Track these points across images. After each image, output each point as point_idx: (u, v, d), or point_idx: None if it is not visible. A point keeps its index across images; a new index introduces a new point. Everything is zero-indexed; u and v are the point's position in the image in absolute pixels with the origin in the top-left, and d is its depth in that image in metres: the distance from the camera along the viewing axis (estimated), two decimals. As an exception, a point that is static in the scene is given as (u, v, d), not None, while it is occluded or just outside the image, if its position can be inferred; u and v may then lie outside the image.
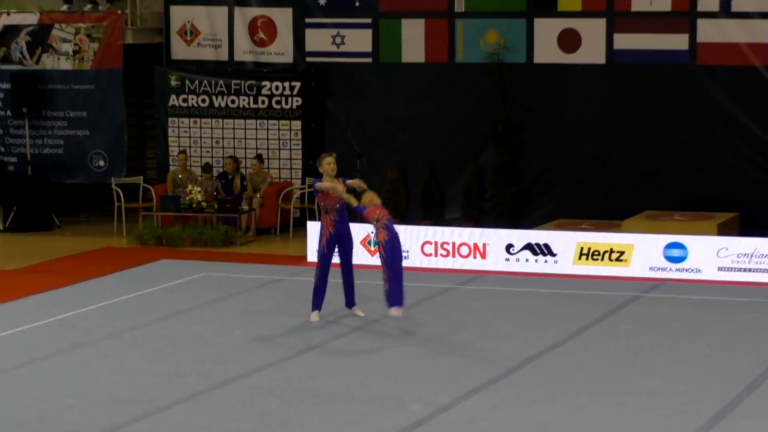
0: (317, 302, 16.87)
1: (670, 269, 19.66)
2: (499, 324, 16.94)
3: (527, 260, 20.26)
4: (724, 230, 20.97)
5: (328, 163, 16.78)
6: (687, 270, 19.62)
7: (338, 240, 16.78)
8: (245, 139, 24.79)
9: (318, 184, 16.69)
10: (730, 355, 15.21)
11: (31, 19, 25.31)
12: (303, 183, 24.33)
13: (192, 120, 25.08)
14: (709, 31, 22.32)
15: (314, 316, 16.86)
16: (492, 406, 13.36)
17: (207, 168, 24.28)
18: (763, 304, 17.85)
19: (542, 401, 13.47)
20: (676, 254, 19.69)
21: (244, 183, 24.08)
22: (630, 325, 16.82)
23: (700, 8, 22.31)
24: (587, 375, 14.41)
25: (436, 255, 20.65)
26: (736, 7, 22.12)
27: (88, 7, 25.72)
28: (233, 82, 24.72)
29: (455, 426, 12.73)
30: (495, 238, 20.41)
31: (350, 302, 17.16)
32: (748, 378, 14.16)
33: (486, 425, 12.74)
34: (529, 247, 20.35)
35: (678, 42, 22.49)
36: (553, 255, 20.19)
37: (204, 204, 23.23)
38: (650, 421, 12.80)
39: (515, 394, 13.78)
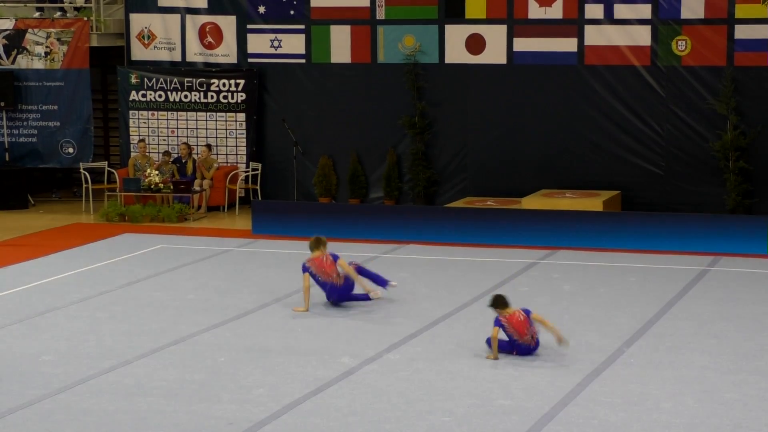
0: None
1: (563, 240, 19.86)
2: (417, 287, 17.01)
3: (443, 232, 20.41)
4: (608, 206, 21.18)
5: (317, 257, 15.70)
6: (580, 240, 19.81)
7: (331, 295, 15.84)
8: (197, 129, 24.72)
9: (304, 280, 15.61)
10: (612, 314, 15.38)
11: (7, 24, 25.04)
12: (247, 167, 24.31)
13: (150, 113, 24.96)
14: (595, 36, 22.46)
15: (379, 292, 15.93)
16: (409, 358, 13.45)
17: (166, 153, 24.21)
18: (639, 269, 18.04)
19: (452, 355, 13.56)
20: (574, 231, 19.89)
21: (196, 167, 24.02)
22: (527, 288, 16.96)
23: (586, 16, 22.44)
24: (489, 329, 14.51)
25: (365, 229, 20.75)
26: (617, 15, 22.27)
27: (58, 14, 25.57)
28: (186, 79, 24.62)
29: (379, 375, 12.81)
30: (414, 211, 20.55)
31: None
32: (627, 333, 14.34)
33: (405, 374, 12.83)
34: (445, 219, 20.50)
35: (568, 45, 22.61)
36: (466, 227, 20.34)
37: (161, 185, 23.16)
38: (541, 372, 12.93)
39: (429, 348, 13.88)
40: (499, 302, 13.61)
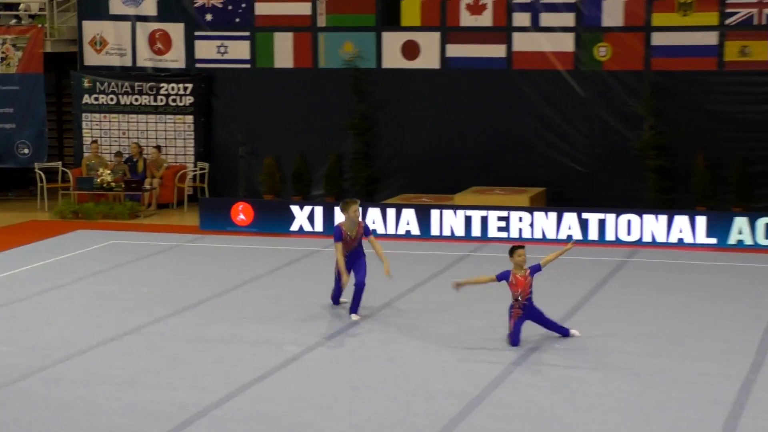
0: (353, 306, 14.77)
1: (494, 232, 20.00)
2: (357, 279, 17.07)
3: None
4: (534, 202, 21.35)
5: (354, 211, 14.66)
6: (508, 233, 19.96)
7: (350, 264, 14.71)
8: (147, 130, 24.61)
9: (336, 244, 14.63)
10: (542, 302, 15.48)
11: (-36, 31, 24.85)
12: (195, 166, 24.24)
13: (102, 115, 24.80)
14: (522, 42, 22.61)
15: (354, 317, 14.64)
16: (353, 346, 13.50)
17: (118, 154, 24.10)
18: (567, 260, 18.19)
19: (394, 342, 13.63)
20: (502, 225, 20.02)
21: (147, 166, 23.93)
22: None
23: (514, 23, 22.58)
24: (427, 319, 14.59)
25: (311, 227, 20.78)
26: (543, 22, 22.44)
27: (13, 21, 25.38)
28: (136, 83, 24.49)
29: (324, 362, 12.86)
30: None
31: (352, 309, 14.82)
32: (556, 319, 14.46)
33: (349, 361, 12.88)
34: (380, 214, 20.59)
35: (498, 51, 22.74)
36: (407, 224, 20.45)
37: (113, 184, 23.04)
38: (477, 358, 13.02)
39: (372, 335, 13.93)
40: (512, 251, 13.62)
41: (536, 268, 13.59)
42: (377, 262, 14.53)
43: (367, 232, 14.86)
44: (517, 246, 13.75)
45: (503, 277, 13.55)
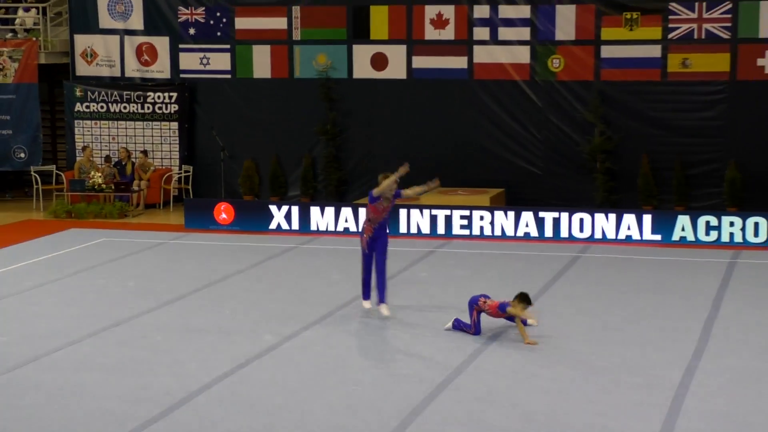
0: (365, 292, 14.42)
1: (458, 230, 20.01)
2: (331, 273, 17.05)
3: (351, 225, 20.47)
4: (494, 201, 21.38)
5: (394, 181, 14.34)
6: (470, 230, 19.97)
7: (373, 243, 14.28)
8: (135, 136, 24.49)
9: (375, 191, 14.33)
10: (499, 294, 15.52)
11: (-36, 44, 24.68)
12: (180, 169, 24.15)
13: (93, 122, 24.67)
14: (482, 55, 22.64)
15: (366, 304, 14.38)
16: (323, 335, 13.49)
17: (107, 159, 23.99)
18: (523, 255, 18.24)
19: (361, 332, 13.63)
20: (464, 223, 20.03)
21: (135, 169, 23.83)
22: (425, 273, 17.07)
23: (475, 37, 22.60)
24: (394, 310, 14.59)
25: (288, 225, 20.73)
26: (501, 36, 22.46)
27: (9, 35, 25.23)
28: (125, 92, 24.37)
29: (297, 350, 12.84)
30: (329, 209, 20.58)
31: (379, 298, 14.39)
32: (512, 310, 14.50)
33: (319, 349, 12.87)
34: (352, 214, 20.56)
35: (459, 62, 22.76)
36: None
37: (104, 186, 22.93)
38: (439, 346, 13.04)
39: (343, 325, 13.93)
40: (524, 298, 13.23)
41: (397, 194, 14.16)
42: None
43: (397, 194, 14.42)
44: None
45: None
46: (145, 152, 24.03)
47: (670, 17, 21.60)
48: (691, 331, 13.46)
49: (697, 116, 21.69)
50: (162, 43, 24.37)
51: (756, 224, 18.99)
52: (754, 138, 21.39)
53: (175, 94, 24.17)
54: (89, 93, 24.54)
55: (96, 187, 22.89)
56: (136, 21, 24.42)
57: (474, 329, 13.30)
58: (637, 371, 11.88)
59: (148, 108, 24.32)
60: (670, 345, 12.82)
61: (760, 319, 14.10)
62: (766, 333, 13.41)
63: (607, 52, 21.97)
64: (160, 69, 24.44)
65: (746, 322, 13.94)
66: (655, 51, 21.74)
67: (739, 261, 17.75)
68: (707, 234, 19.16)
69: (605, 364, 12.17)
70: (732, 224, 19.06)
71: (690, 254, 18.41)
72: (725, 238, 19.09)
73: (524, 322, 13.38)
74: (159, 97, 24.24)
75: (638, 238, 19.36)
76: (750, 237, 19.00)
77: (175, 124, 24.27)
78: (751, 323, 13.86)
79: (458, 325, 13.46)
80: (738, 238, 19.03)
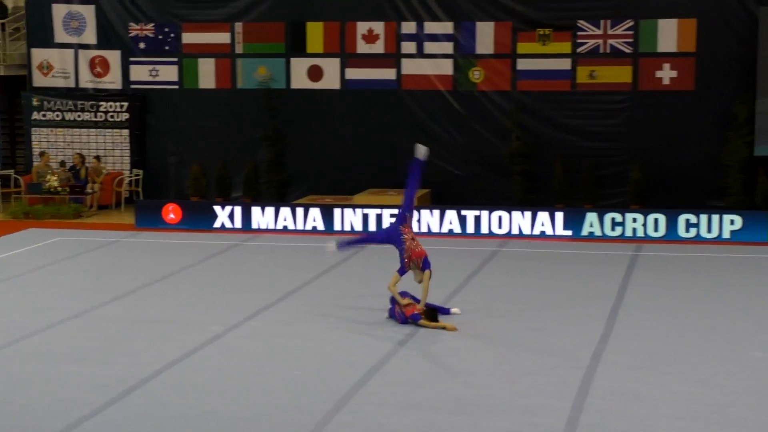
0: (347, 243, 14.03)
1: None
2: (272, 268, 17.01)
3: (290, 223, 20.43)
4: (421, 201, 21.44)
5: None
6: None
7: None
8: (89, 142, 24.22)
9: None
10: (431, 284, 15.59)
11: (-73, 57, 24.24)
12: (131, 173, 23.94)
13: (49, 129, 24.36)
14: (410, 67, 22.71)
15: (330, 245, 13.85)
16: (267, 324, 13.47)
17: (63, 164, 23.70)
18: (448, 250, 18.34)
19: (302, 321, 13.62)
20: (394, 220, 20.05)
21: (88, 173, 23.59)
22: (359, 267, 17.09)
23: (403, 51, 22.67)
24: (331, 302, 14.61)
25: (231, 224, 20.63)
26: (427, 50, 22.55)
27: (-29, 49, 24.90)
28: (79, 102, 24.10)
29: (242, 339, 12.80)
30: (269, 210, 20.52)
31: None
32: (437, 301, 14.55)
33: (264, 338, 12.84)
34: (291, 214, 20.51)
35: (389, 74, 22.81)
36: (309, 219, 20.41)
37: (59, 189, 22.68)
38: (374, 334, 13.06)
39: (284, 315, 13.91)
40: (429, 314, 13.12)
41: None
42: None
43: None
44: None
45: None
46: (98, 157, 23.80)
47: (579, 33, 21.84)
48: (600, 317, 13.64)
49: (603, 123, 21.97)
50: (114, 56, 24.12)
51: (656, 220, 19.28)
52: (655, 142, 21.72)
53: (126, 104, 23.95)
54: (45, 103, 24.22)
55: (52, 189, 22.62)
56: (90, 36, 24.14)
57: (399, 319, 13.36)
58: (552, 353, 12.01)
59: (101, 116, 24.07)
60: (581, 329, 12.98)
61: (660, 305, 14.33)
62: (667, 318, 13.63)
63: (522, 64, 22.16)
64: (112, 80, 24.18)
65: (648, 308, 14.16)
66: (565, 64, 21.97)
67: (641, 253, 18.02)
68: (613, 229, 19.41)
69: (526, 348, 12.29)
70: (635, 220, 19.33)
71: (597, 248, 18.64)
72: (629, 232, 19.35)
73: (447, 311, 13.50)
74: (111, 107, 23.99)
75: (551, 233, 19.55)
76: (651, 232, 19.29)
77: (126, 132, 24.05)
78: (652, 309, 14.09)
79: (392, 315, 13.51)
80: (640, 233, 19.31)
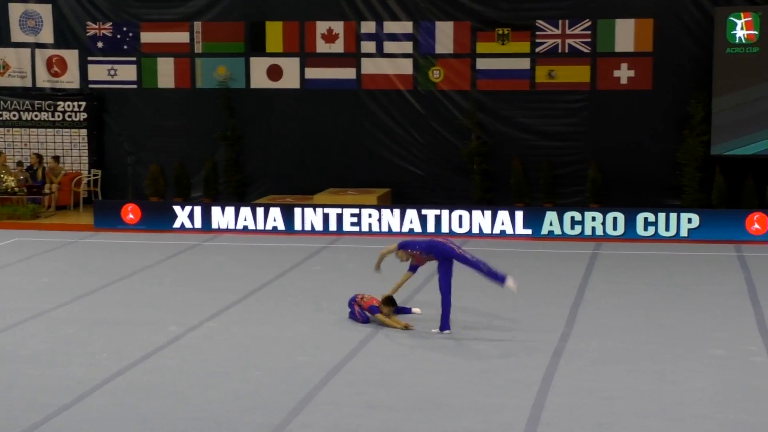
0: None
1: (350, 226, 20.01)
2: (232, 268, 16.91)
3: (250, 223, 20.33)
4: (381, 201, 21.44)
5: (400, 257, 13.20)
6: (360, 227, 19.99)
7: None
8: (46, 142, 23.94)
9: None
10: (388, 286, 15.56)
11: None
12: (89, 173, 23.71)
13: (6, 129, 24.05)
14: (369, 66, 22.68)
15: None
16: (226, 325, 13.38)
17: (20, 164, 23.42)
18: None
19: (261, 322, 13.55)
20: (354, 221, 20.03)
21: (46, 173, 23.32)
22: (319, 267, 17.04)
23: (363, 50, 22.64)
24: (291, 301, 14.56)
25: (191, 224, 20.47)
26: (386, 50, 22.53)
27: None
28: (36, 102, 23.81)
29: (201, 339, 12.70)
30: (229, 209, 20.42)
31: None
32: (398, 300, 14.53)
33: (223, 338, 12.75)
34: (251, 214, 20.41)
35: (349, 74, 22.77)
36: (270, 220, 20.32)
37: (17, 189, 22.40)
38: (331, 333, 13.03)
39: (243, 316, 13.82)
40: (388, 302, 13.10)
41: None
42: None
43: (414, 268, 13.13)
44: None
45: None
46: (56, 158, 23.52)
47: (537, 33, 21.91)
48: (560, 316, 13.67)
49: (562, 122, 22.06)
50: (71, 56, 23.87)
51: (615, 219, 19.38)
52: (612, 141, 21.84)
53: (83, 103, 23.71)
54: (2, 102, 23.92)
55: (9, 190, 22.34)
56: (47, 35, 23.88)
57: (361, 318, 13.32)
58: (511, 353, 12.01)
59: (59, 116, 23.81)
60: (541, 328, 13.00)
61: (619, 303, 14.39)
62: (625, 316, 13.69)
63: (481, 64, 22.21)
64: (70, 80, 23.93)
65: (607, 306, 14.21)
66: (524, 63, 22.04)
67: (600, 252, 18.10)
68: (572, 228, 19.49)
69: (484, 347, 12.28)
70: (594, 219, 19.42)
71: (557, 246, 18.71)
72: (588, 231, 19.43)
73: (408, 310, 13.47)
74: (69, 106, 23.74)
75: (511, 232, 19.59)
76: (609, 230, 19.38)
77: (84, 131, 23.80)
78: (611, 308, 14.14)
79: (352, 316, 13.48)
80: (599, 231, 19.39)
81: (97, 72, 23.79)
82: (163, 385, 10.91)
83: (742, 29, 20.70)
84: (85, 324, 13.38)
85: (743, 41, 20.73)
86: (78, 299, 14.75)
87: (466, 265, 12.88)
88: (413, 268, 13.28)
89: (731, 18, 20.72)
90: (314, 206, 20.38)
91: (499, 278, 12.73)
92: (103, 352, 12.08)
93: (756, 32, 20.68)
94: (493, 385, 10.87)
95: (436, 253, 12.97)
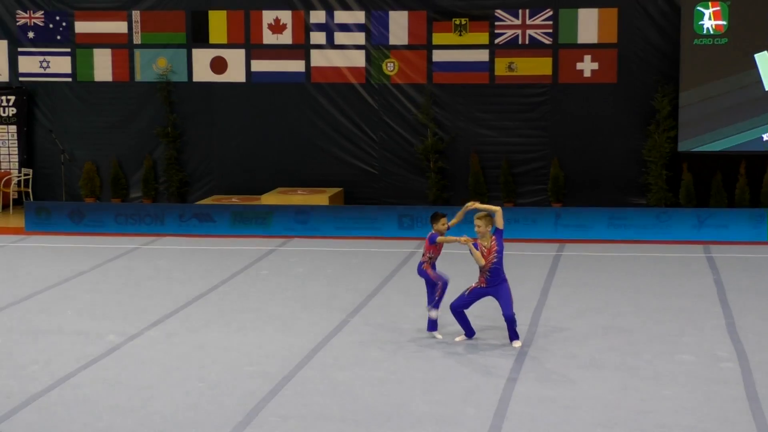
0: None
1: (297, 229, 19.96)
2: (176, 273, 16.80)
3: (195, 225, 20.21)
4: (333, 201, 21.41)
5: (443, 224, 12.99)
6: (309, 229, 19.95)
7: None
8: (-27, 140, 23.68)
9: (440, 238, 12.98)
10: (338, 290, 15.56)
11: None
12: (19, 172, 23.42)
13: (-71, 126, 23.75)
14: (319, 59, 22.64)
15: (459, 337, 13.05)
16: (167, 334, 13.28)
17: (-59, 163, 23.16)
18: (361, 252, 18.32)
19: (204, 330, 13.47)
20: (302, 219, 19.99)
21: (-27, 173, 23.06)
22: (267, 271, 16.99)
23: (312, 42, 22.59)
24: (236, 307, 14.49)
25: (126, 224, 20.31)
26: (337, 41, 22.50)
27: None
28: (-38, 96, 23.54)
29: (141, 349, 12.59)
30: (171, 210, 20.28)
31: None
32: (351, 305, 14.54)
33: (164, 347, 12.66)
34: (196, 215, 20.29)
35: (297, 66, 22.71)
36: (214, 221, 20.19)
37: (-59, 190, 22.13)
38: (279, 341, 12.98)
39: (185, 324, 13.74)
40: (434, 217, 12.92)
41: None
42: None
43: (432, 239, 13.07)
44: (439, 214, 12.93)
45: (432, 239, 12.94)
46: (-17, 156, 23.26)
47: (496, 23, 21.99)
48: (521, 320, 13.69)
49: (522, 117, 22.15)
50: (0, 47, 23.59)
51: (578, 218, 19.47)
52: (575, 137, 21.97)
53: (13, 98, 23.44)
54: (-75, 96, 23.58)
55: (-67, 191, 22.03)
56: (-27, 24, 23.60)
57: (439, 281, 12.98)
58: (469, 360, 12.04)
59: (-13, 111, 23.53)
60: (501, 334, 13.03)
61: (581, 307, 14.47)
62: (588, 320, 13.77)
63: (438, 56, 22.25)
64: (-1, 72, 23.68)
65: (569, 311, 14.29)
66: (483, 55, 22.11)
67: (563, 254, 18.20)
68: (534, 228, 19.56)
69: (440, 354, 12.30)
70: (556, 218, 19.50)
71: (518, 248, 18.77)
72: (549, 232, 19.51)
73: (475, 246, 12.87)
74: (-3, 101, 23.47)
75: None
76: (572, 231, 19.47)
77: (13, 128, 23.53)
78: (573, 312, 14.22)
79: (435, 305, 13.01)
80: (561, 232, 19.47)
81: (28, 64, 23.54)
82: (100, 399, 10.81)
83: (710, 19, 20.92)
84: (15, 333, 13.22)
85: (711, 32, 20.95)
86: (7, 307, 14.57)
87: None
88: (475, 245, 12.79)
89: (699, 8, 20.92)
90: (262, 207, 20.27)
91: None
92: (34, 364, 11.94)
93: (724, 22, 20.91)
94: (451, 394, 10.88)
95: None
